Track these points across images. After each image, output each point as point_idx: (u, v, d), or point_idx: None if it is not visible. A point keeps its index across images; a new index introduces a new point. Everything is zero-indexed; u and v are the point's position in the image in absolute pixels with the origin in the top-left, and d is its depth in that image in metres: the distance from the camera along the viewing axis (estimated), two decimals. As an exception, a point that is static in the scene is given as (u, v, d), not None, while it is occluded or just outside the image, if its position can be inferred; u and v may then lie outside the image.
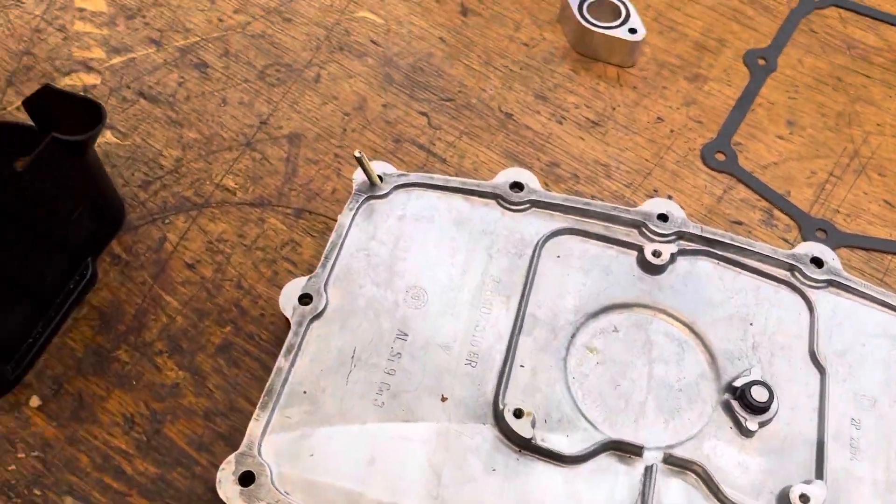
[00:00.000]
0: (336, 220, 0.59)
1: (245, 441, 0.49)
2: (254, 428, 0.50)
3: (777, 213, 0.66)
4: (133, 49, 0.71)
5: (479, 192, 0.63)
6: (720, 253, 0.61)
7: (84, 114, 0.53)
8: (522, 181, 0.63)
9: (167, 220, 0.62)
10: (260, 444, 0.50)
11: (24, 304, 0.54)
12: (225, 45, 0.72)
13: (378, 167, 0.60)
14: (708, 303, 0.60)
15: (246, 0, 0.75)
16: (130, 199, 0.63)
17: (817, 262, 0.60)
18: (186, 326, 0.58)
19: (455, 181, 0.63)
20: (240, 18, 0.74)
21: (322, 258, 0.57)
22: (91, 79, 0.69)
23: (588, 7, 0.73)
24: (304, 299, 0.56)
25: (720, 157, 0.69)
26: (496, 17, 0.76)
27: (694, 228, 0.61)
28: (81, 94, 0.67)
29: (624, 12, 0.73)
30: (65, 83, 0.69)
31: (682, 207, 0.62)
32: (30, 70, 0.69)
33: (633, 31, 0.71)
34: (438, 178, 0.63)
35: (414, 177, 0.62)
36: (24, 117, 0.65)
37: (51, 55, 0.70)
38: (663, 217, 0.61)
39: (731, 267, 0.62)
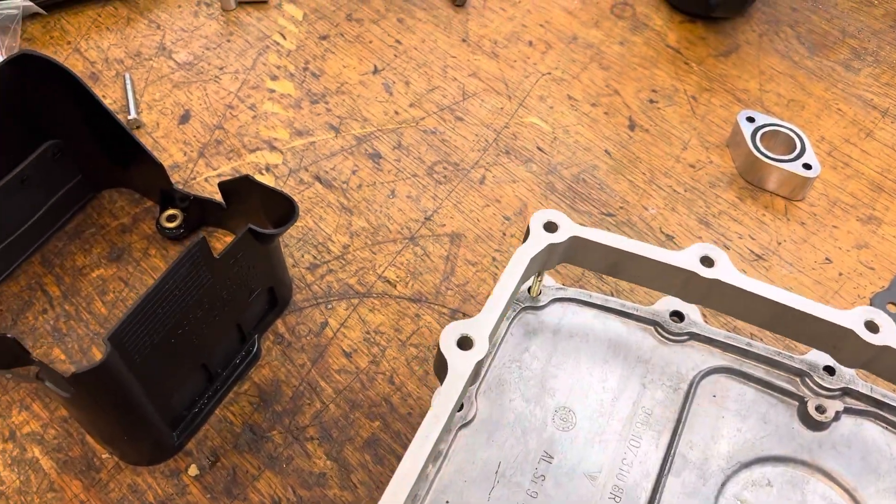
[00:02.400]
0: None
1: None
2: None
3: (953, 378, 0.62)
4: (314, 133, 0.76)
5: (636, 316, 0.62)
6: (890, 417, 0.58)
7: (276, 204, 0.57)
8: (683, 311, 0.62)
9: (330, 306, 0.65)
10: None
11: (196, 377, 0.57)
12: (399, 138, 0.76)
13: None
14: (873, 471, 0.57)
15: (422, 96, 0.79)
16: (298, 280, 0.66)
17: None
18: (338, 416, 0.59)
19: (613, 302, 0.62)
20: (414, 113, 0.77)
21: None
22: (274, 158, 0.74)
23: (762, 136, 0.72)
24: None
25: (892, 308, 0.66)
26: (663, 135, 0.76)
27: (863, 387, 0.58)
28: (276, 188, 0.71)
29: (799, 146, 0.71)
30: (250, 159, 0.73)
31: (850, 363, 0.59)
32: (220, 144, 0.74)
33: (807, 166, 0.70)
34: (597, 297, 0.62)
35: (572, 292, 0.62)
36: (211, 189, 0.70)
37: (240, 131, 0.75)
38: (830, 370, 0.59)
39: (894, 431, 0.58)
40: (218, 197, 0.64)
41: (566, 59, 0.82)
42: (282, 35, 0.84)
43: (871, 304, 0.66)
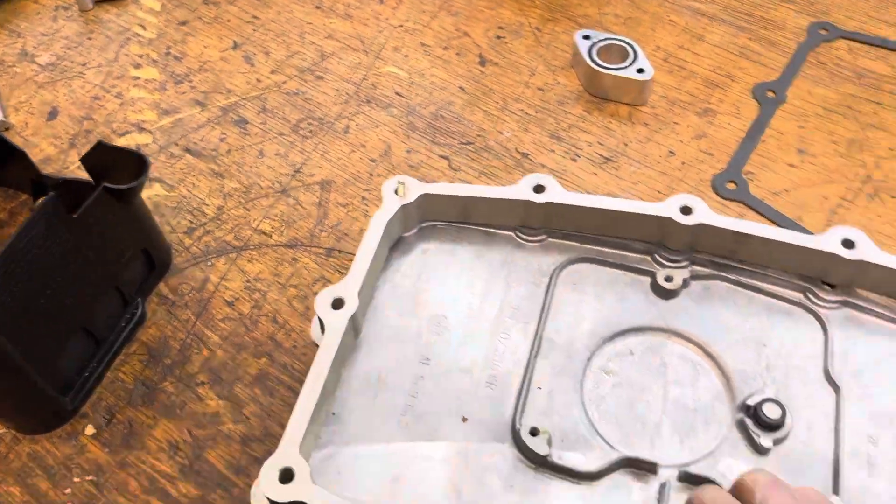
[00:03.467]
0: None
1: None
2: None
3: (789, 237, 0.68)
4: (181, 110, 0.78)
5: (497, 225, 0.66)
6: (733, 277, 0.63)
7: (133, 165, 0.60)
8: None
9: (209, 263, 0.68)
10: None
11: (82, 342, 0.60)
12: (262, 103, 0.79)
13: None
14: (722, 326, 0.62)
15: (282, 63, 0.82)
16: (177, 245, 0.69)
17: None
18: (226, 359, 0.62)
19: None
20: (276, 78, 0.81)
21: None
22: (143, 138, 0.76)
23: (598, 51, 0.77)
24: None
25: (731, 186, 0.71)
26: (512, 66, 0.81)
27: (705, 255, 0.63)
28: (126, 147, 0.73)
29: (632, 54, 0.77)
30: (120, 143, 0.76)
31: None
32: (89, 133, 0.77)
33: (640, 70, 0.75)
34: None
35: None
36: (84, 175, 0.72)
37: (108, 119, 0.78)
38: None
39: (744, 290, 0.63)
40: (88, 176, 0.66)
41: (416, 10, 0.86)
42: (142, 27, 0.86)
43: (712, 185, 0.71)
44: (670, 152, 0.74)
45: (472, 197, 0.65)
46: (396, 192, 0.64)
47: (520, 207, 0.65)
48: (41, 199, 0.52)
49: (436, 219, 0.67)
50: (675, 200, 0.62)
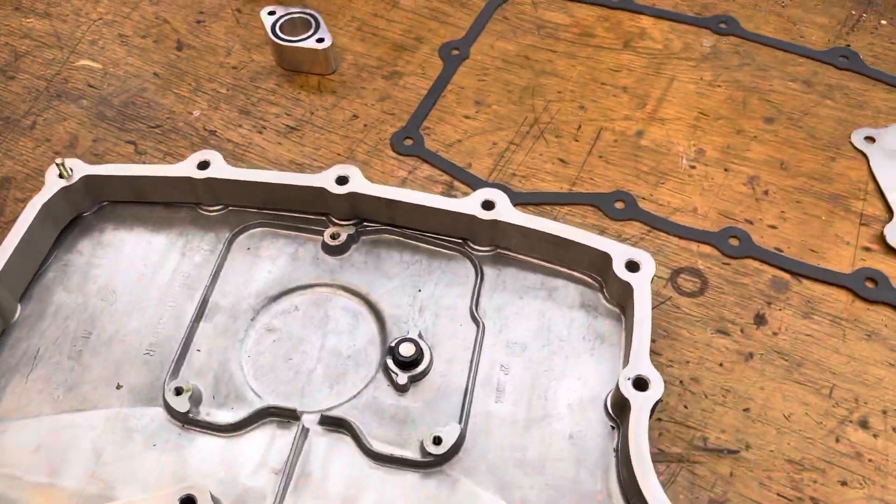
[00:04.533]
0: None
1: None
2: None
3: (457, 184, 0.71)
4: None
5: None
6: (398, 230, 0.66)
7: None
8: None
9: None
10: None
11: None
12: (-54, 108, 0.77)
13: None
14: (384, 275, 0.64)
15: (-30, 65, 0.81)
16: None
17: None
18: None
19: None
20: (-37, 82, 0.79)
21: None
22: None
23: (282, 25, 0.79)
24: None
25: (408, 142, 0.74)
26: (209, 48, 0.82)
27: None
28: None
29: (314, 25, 0.78)
30: None
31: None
32: None
33: (320, 40, 0.77)
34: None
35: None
36: None
37: None
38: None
39: (410, 241, 0.66)
40: None
41: (118, 2, 0.86)
42: None
43: (390, 143, 0.74)
44: (354, 116, 0.76)
45: (140, 176, 0.66)
46: (60, 175, 0.64)
47: (185, 183, 0.66)
48: None
49: (113, 198, 0.68)
50: (332, 171, 0.64)
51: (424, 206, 0.63)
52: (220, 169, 0.65)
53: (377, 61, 0.80)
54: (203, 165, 0.65)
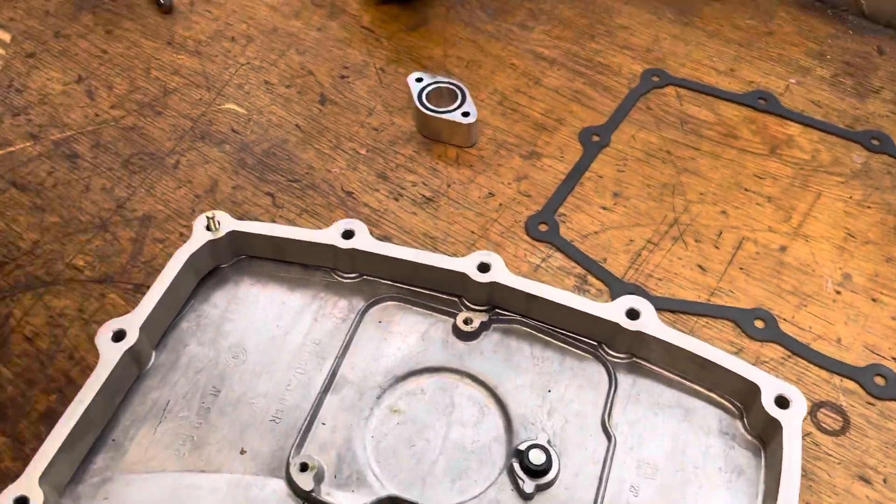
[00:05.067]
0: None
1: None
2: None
3: (591, 279, 0.70)
4: (13, 143, 0.79)
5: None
6: (531, 323, 0.64)
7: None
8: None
9: (15, 298, 0.67)
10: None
11: None
12: (97, 138, 0.79)
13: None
14: (514, 369, 0.63)
15: (123, 98, 0.83)
16: (-14, 279, 0.68)
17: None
18: (15, 395, 0.62)
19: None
20: (115, 113, 0.81)
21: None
22: (-30, 171, 0.76)
23: (428, 94, 0.79)
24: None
25: (543, 228, 0.73)
26: (351, 105, 0.83)
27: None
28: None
29: (460, 97, 0.78)
30: (-54, 175, 0.76)
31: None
32: (-84, 164, 0.76)
33: (465, 114, 0.77)
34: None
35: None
36: None
37: (-62, 151, 0.78)
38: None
39: (541, 335, 0.65)
40: None
41: (265, 49, 0.88)
42: (-12, 58, 0.86)
43: (525, 226, 0.73)
44: (490, 193, 0.75)
45: (282, 237, 0.66)
46: (208, 227, 0.65)
47: (327, 249, 0.66)
48: None
49: (252, 254, 0.68)
50: (474, 257, 0.64)
51: (566, 306, 0.61)
52: (364, 241, 0.65)
53: (516, 139, 0.80)
54: (347, 234, 0.65)
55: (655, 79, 0.85)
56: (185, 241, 0.71)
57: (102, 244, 0.71)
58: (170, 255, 0.70)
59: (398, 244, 0.71)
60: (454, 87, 0.79)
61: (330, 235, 0.65)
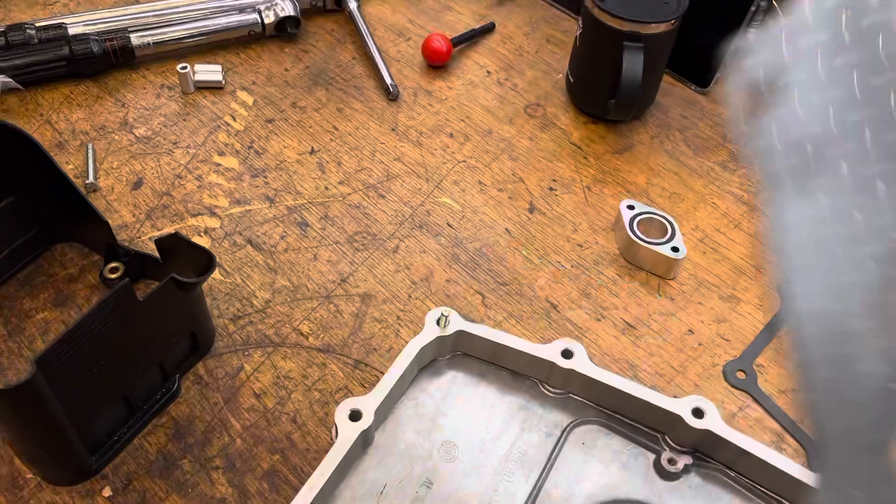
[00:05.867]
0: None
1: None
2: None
3: (788, 438, 0.71)
4: (251, 202, 0.86)
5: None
6: (733, 474, 0.66)
7: (201, 259, 0.66)
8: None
9: (247, 353, 0.73)
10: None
11: (118, 408, 0.65)
12: (326, 210, 0.86)
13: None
14: (711, 515, 0.65)
15: (351, 175, 0.90)
16: (221, 329, 0.74)
17: None
18: (243, 449, 0.67)
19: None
20: (343, 189, 0.88)
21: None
22: (212, 222, 0.83)
23: (638, 222, 0.83)
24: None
25: (741, 375, 0.75)
26: (558, 219, 0.87)
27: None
28: (200, 243, 0.81)
29: (670, 231, 0.82)
30: (191, 223, 0.83)
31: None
32: (166, 208, 0.84)
33: (675, 249, 0.80)
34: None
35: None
36: (152, 246, 0.79)
37: (185, 198, 0.85)
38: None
39: (742, 489, 0.66)
40: (157, 252, 0.73)
41: (481, 149, 0.94)
42: (232, 117, 0.95)
43: (722, 370, 0.75)
44: (689, 331, 0.78)
45: (504, 345, 0.70)
46: (438, 322, 0.70)
47: (545, 366, 0.69)
48: (119, 284, 0.58)
49: (469, 352, 0.72)
50: (688, 401, 0.66)
51: (779, 469, 0.63)
52: (583, 364, 0.68)
53: (716, 279, 0.83)
54: (567, 354, 0.69)
55: (855, 242, 0.87)
56: (400, 325, 0.76)
57: (326, 315, 0.77)
58: (385, 337, 0.75)
59: (599, 367, 0.74)
60: (664, 220, 0.83)
61: (550, 352, 0.69)
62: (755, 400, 0.73)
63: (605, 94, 0.95)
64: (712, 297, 0.81)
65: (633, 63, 0.88)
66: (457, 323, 0.70)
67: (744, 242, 0.86)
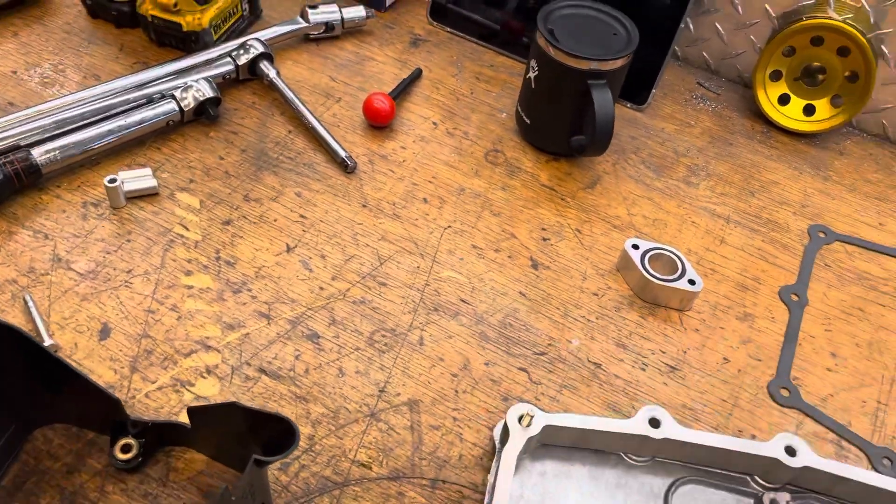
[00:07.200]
0: (468, 487, 0.64)
1: None
2: None
3: (845, 444, 0.75)
4: (245, 324, 0.76)
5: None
6: (826, 499, 0.68)
7: (267, 426, 0.57)
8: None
9: (311, 503, 0.65)
10: None
11: None
12: (331, 314, 0.78)
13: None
14: (817, 547, 0.67)
15: (341, 267, 0.82)
16: (273, 483, 0.65)
17: None
18: None
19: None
20: (339, 286, 0.80)
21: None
22: (211, 358, 0.73)
23: (649, 259, 0.83)
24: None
25: (785, 392, 0.78)
26: (563, 270, 0.85)
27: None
28: (208, 386, 0.70)
29: (680, 265, 0.83)
30: (187, 364, 0.72)
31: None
32: (150, 353, 0.72)
33: (692, 282, 0.82)
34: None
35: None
36: (153, 404, 0.68)
37: (168, 336, 0.74)
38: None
39: (843, 510, 0.69)
40: (175, 416, 0.63)
41: (460, 210, 0.90)
42: (183, 227, 0.83)
43: (769, 392, 0.78)
44: (724, 359, 0.80)
45: (594, 430, 0.68)
46: (520, 420, 0.65)
47: (635, 440, 0.68)
48: (220, 490, 0.49)
49: (552, 442, 0.69)
50: (779, 441, 0.67)
51: (874, 486, 0.66)
52: (673, 429, 0.67)
53: (726, 300, 0.85)
54: (654, 423, 0.67)
55: (822, 235, 0.93)
56: (460, 427, 0.71)
57: (379, 435, 0.70)
58: (450, 444, 0.70)
59: (683, 426, 0.74)
60: (671, 255, 0.84)
61: (639, 426, 0.67)
62: (805, 414, 0.77)
63: (567, 132, 0.94)
64: (730, 319, 0.83)
65: (603, 100, 0.87)
66: (541, 418, 0.67)
67: (734, 256, 0.90)
